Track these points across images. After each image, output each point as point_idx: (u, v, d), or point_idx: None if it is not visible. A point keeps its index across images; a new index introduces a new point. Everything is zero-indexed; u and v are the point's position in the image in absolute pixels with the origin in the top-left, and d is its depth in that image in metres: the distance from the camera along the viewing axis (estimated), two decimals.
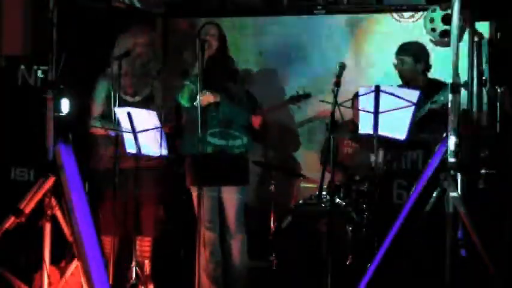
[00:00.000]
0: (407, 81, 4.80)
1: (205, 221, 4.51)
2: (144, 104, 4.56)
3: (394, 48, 4.92)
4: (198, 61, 4.18)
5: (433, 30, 5.37)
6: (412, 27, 5.79)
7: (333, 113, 3.91)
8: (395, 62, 4.87)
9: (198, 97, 4.19)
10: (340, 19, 6.02)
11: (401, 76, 4.86)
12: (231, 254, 4.62)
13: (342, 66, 4.11)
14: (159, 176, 4.71)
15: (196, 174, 4.40)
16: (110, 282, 4.21)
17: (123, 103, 4.43)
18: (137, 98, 4.68)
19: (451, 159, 3.49)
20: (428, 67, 4.86)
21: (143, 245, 4.72)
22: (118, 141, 4.35)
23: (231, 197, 4.56)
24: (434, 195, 3.50)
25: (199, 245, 4.12)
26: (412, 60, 4.80)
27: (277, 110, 5.79)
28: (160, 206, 4.85)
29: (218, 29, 4.57)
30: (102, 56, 4.79)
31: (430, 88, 4.52)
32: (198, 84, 4.17)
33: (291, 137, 6.16)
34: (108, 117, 4.54)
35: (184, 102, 4.50)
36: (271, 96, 5.83)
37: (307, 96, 5.56)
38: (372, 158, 4.68)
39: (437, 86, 4.48)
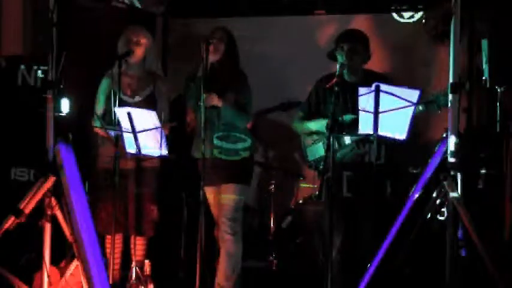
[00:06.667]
0: (352, 73, 4.39)
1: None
2: (144, 104, 4.54)
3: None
4: (203, 63, 4.16)
5: (433, 30, 5.36)
6: (412, 27, 5.79)
7: (333, 113, 3.91)
8: (344, 49, 4.34)
9: (202, 98, 4.18)
10: (340, 19, 6.02)
11: (348, 68, 4.35)
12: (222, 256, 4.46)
13: (342, 66, 4.10)
14: (155, 176, 4.71)
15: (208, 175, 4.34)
16: (110, 282, 4.22)
17: (123, 104, 4.42)
18: (137, 99, 4.67)
19: (451, 159, 3.50)
20: (370, 56, 4.51)
21: (137, 245, 4.72)
22: (118, 141, 4.35)
23: (227, 197, 4.44)
24: (434, 195, 3.51)
25: (199, 245, 4.12)
26: (363, 48, 4.41)
27: (266, 115, 5.73)
28: (155, 206, 4.79)
29: (226, 32, 4.45)
30: (103, 56, 4.80)
31: (367, 81, 4.04)
32: (202, 86, 4.16)
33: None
34: (107, 117, 4.54)
35: (191, 103, 4.46)
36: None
37: (297, 104, 5.20)
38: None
39: (375, 77, 4.13)
